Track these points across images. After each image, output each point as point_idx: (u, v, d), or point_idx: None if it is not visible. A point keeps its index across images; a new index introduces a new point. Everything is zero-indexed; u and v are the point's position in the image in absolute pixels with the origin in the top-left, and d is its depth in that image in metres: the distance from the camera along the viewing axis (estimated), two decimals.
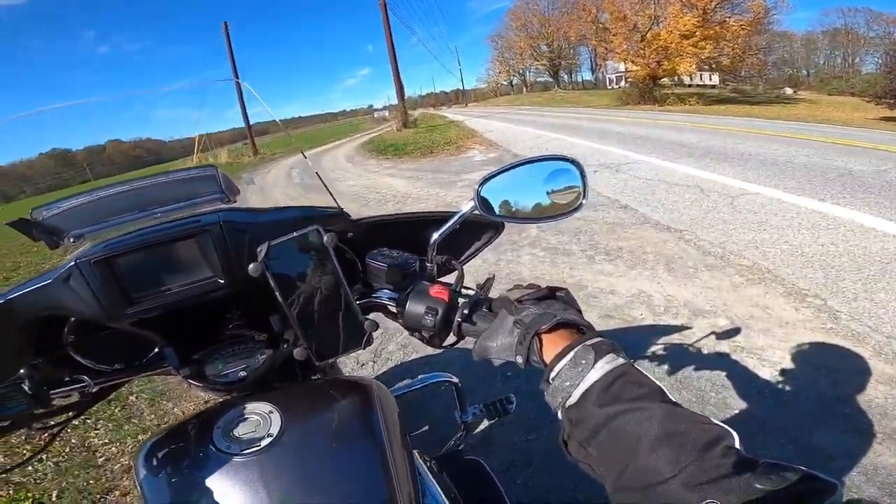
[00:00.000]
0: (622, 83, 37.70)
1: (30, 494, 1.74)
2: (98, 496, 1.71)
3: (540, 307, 0.51)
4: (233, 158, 19.58)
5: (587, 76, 57.76)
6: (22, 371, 0.57)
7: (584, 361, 0.43)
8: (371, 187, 7.18)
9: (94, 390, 0.67)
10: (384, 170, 9.09)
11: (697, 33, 20.98)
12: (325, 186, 0.79)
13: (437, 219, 0.71)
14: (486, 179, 0.60)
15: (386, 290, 0.65)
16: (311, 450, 0.56)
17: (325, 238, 0.56)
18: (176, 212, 0.67)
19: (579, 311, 0.52)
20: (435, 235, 0.62)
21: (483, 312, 0.56)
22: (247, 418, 0.59)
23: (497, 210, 0.62)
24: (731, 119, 11.40)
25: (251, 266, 0.55)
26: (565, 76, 57.42)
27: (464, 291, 0.60)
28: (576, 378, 0.42)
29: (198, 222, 0.62)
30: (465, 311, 0.56)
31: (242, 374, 0.68)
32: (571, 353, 0.44)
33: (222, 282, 0.63)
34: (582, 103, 25.75)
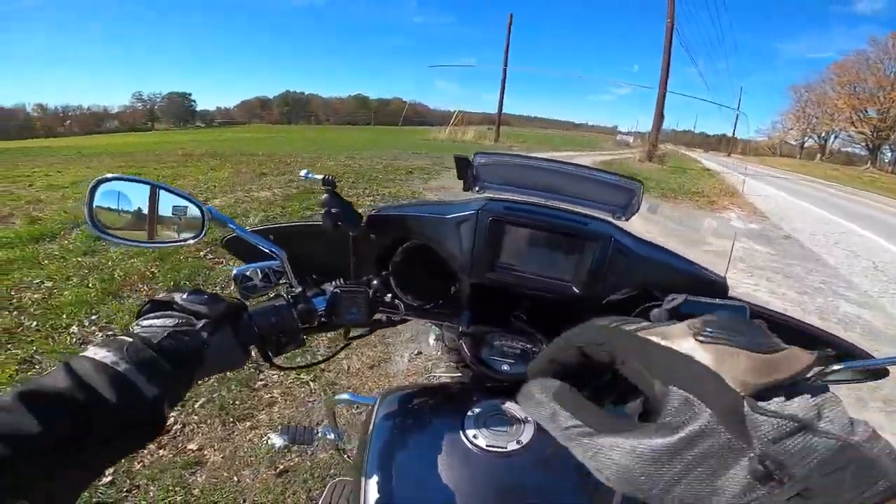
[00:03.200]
0: None
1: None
2: (232, 420, 1.87)
3: None
4: (475, 139, 21.57)
5: None
6: (375, 280, 0.65)
7: None
8: None
9: (397, 318, 0.72)
10: None
11: None
12: (730, 252, 0.75)
13: (830, 342, 0.66)
14: None
15: None
16: (552, 471, 0.53)
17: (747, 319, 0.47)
18: (576, 206, 0.67)
19: None
20: (839, 366, 0.57)
21: None
22: (502, 415, 0.58)
23: None
24: None
25: (654, 311, 0.47)
26: (888, 153, 43.21)
27: None
28: None
29: (585, 225, 0.62)
30: None
31: (506, 367, 0.67)
32: None
33: (577, 291, 0.63)
34: None
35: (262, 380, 2.14)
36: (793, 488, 0.21)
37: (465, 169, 0.68)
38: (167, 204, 0.56)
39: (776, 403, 0.22)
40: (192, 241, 0.57)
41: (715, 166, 21.92)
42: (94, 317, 2.63)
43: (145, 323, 0.46)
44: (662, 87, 17.79)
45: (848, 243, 6.48)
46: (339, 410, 0.99)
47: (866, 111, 40.33)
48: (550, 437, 0.56)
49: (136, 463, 1.63)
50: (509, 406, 0.60)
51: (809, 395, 0.22)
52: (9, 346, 2.29)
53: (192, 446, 1.73)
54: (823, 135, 48.33)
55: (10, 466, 0.31)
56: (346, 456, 1.00)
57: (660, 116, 18.54)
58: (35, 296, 2.83)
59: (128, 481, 1.56)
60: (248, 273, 0.59)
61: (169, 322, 0.46)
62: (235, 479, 1.60)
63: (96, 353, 0.40)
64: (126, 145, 15.79)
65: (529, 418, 0.58)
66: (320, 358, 0.79)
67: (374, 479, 0.52)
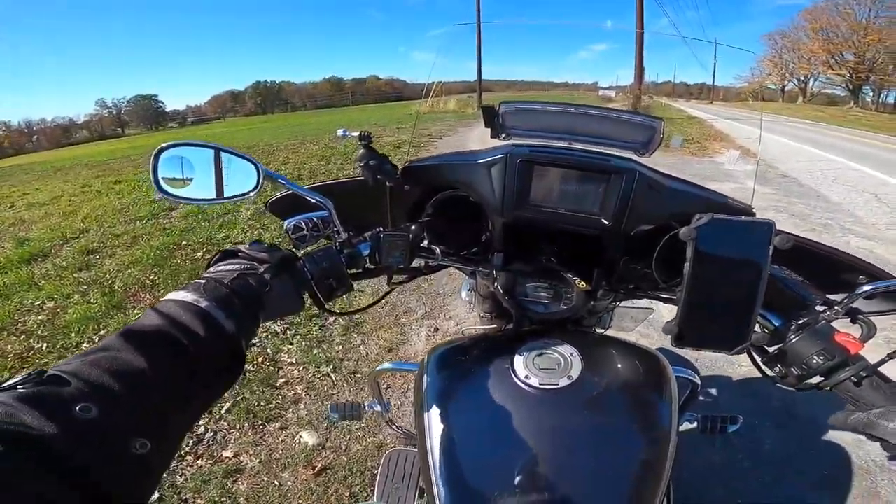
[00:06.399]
0: None
1: None
2: (261, 423, 1.81)
3: None
4: (458, 108, 21.06)
5: None
6: (413, 226, 0.66)
7: None
8: None
9: (434, 264, 0.74)
10: None
11: None
12: (754, 181, 0.79)
13: (862, 269, 0.64)
14: None
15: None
16: (603, 405, 0.55)
17: (775, 239, 0.50)
18: (599, 146, 0.67)
19: None
20: (867, 287, 0.53)
21: (877, 382, 0.48)
22: (549, 354, 0.59)
23: None
24: None
25: (683, 229, 0.51)
26: (869, 94, 42.92)
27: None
28: None
29: (609, 162, 0.64)
30: (862, 374, 0.49)
31: (541, 308, 0.68)
32: None
33: (606, 223, 0.64)
34: (888, 129, 18.80)
35: (282, 377, 2.10)
36: None
37: (491, 117, 0.70)
38: (226, 164, 0.60)
39: None
40: (252, 194, 0.60)
41: (700, 114, 21.61)
42: (102, 332, 2.54)
43: (214, 268, 0.50)
44: (638, 41, 17.23)
45: (846, 179, 6.48)
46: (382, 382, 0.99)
47: (842, 55, 39.78)
48: (598, 371, 0.58)
49: (178, 476, 1.58)
50: (554, 343, 0.61)
51: None
52: (23, 370, 2.19)
53: (227, 453, 1.69)
54: (802, 78, 47.67)
55: (127, 403, 0.32)
56: (394, 426, 1.00)
57: (640, 68, 18.11)
58: (39, 318, 2.73)
59: (175, 496, 1.52)
60: (298, 224, 0.62)
61: (236, 266, 0.50)
62: (276, 482, 1.57)
63: (177, 295, 0.43)
64: (99, 154, 15.23)
65: (574, 352, 0.58)
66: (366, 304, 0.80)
67: (437, 439, 0.52)
